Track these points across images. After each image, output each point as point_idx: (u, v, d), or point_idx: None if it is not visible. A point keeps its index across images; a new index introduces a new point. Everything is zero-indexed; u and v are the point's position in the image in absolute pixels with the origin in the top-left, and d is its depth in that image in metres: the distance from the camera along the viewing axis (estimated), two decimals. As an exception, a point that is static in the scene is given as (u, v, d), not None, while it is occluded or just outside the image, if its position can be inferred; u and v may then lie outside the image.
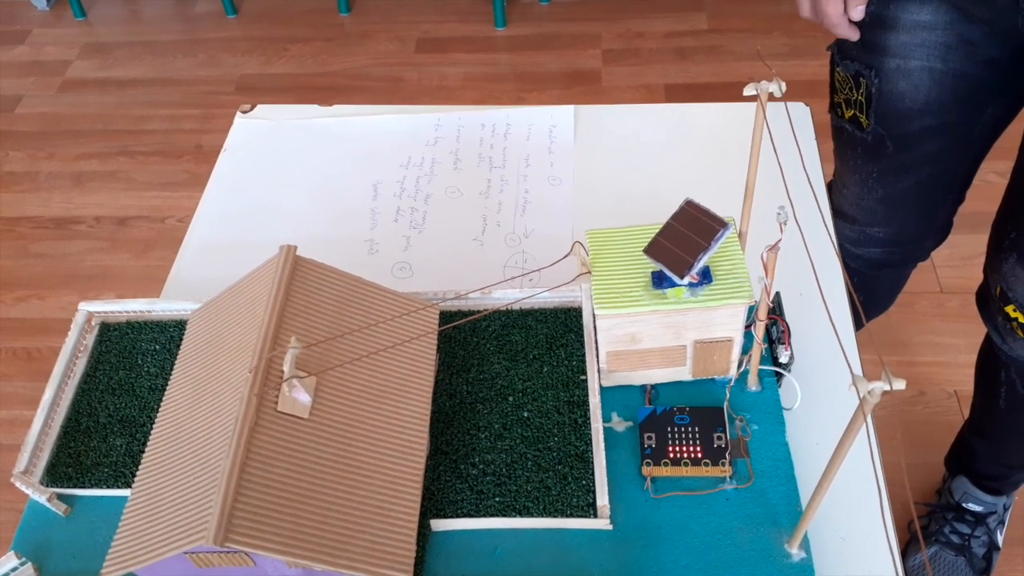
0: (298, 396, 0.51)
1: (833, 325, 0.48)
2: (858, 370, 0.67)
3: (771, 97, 0.52)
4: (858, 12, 0.77)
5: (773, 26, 2.36)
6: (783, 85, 0.51)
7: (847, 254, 1.17)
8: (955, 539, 1.37)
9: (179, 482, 0.50)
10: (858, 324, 1.39)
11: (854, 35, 0.80)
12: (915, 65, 0.83)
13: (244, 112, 0.93)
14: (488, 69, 2.36)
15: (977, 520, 1.37)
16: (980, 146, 0.99)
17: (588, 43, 2.38)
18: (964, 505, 1.37)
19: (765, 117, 0.52)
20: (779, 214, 0.51)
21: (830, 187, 1.13)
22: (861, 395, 0.39)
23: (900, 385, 0.38)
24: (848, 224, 1.11)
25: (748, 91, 0.51)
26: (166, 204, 2.14)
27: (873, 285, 1.28)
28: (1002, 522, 1.41)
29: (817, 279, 0.53)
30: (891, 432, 1.59)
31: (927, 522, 1.42)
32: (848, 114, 0.93)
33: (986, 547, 1.38)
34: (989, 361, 1.20)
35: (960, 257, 1.81)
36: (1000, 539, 1.41)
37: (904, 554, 1.39)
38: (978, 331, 1.77)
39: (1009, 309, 0.95)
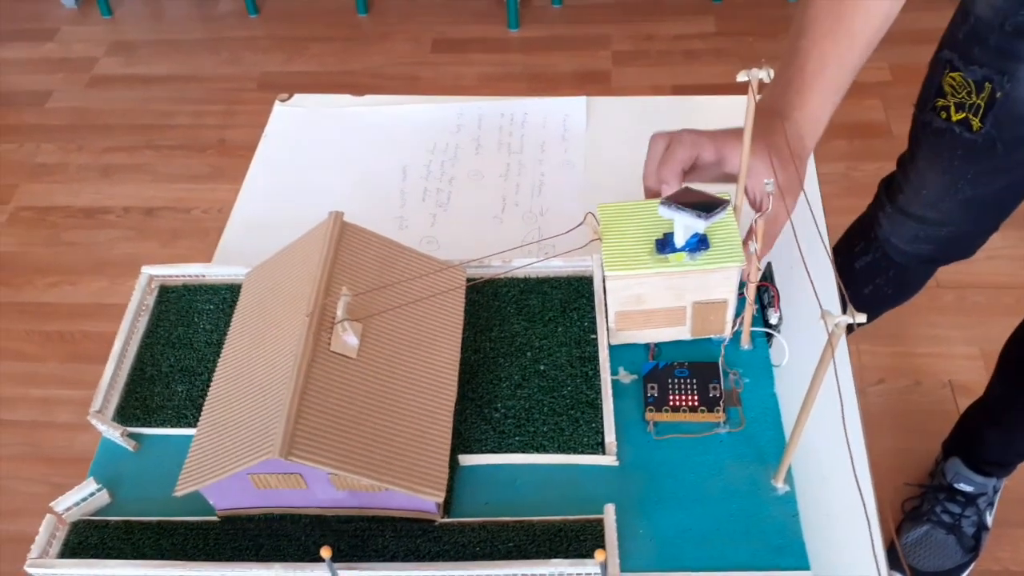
0: (347, 339, 0.59)
1: (813, 285, 0.55)
2: (842, 341, 0.75)
3: (761, 84, 0.59)
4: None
5: (779, 29, 2.43)
6: (771, 72, 0.58)
7: (893, 249, 1.20)
8: (946, 518, 1.44)
9: (244, 410, 0.57)
10: (874, 315, 1.43)
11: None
12: None
13: (282, 101, 1.01)
14: (501, 69, 2.44)
15: (968, 500, 1.43)
16: None
17: (599, 44, 2.46)
18: (955, 486, 1.43)
19: (756, 101, 0.59)
20: (767, 185, 0.58)
21: (892, 186, 1.15)
22: (829, 328, 0.46)
23: (861, 318, 0.45)
24: (916, 223, 1.14)
25: (740, 77, 0.59)
26: (191, 196, 2.21)
27: (911, 279, 1.31)
28: (991, 504, 1.48)
29: (799, 245, 0.61)
30: (887, 419, 1.66)
31: (920, 503, 1.48)
32: (958, 116, 0.96)
33: (975, 527, 1.45)
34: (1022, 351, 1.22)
35: (954, 253, 1.87)
36: (989, 520, 1.48)
37: (899, 531, 1.46)
38: (973, 324, 1.84)
39: None
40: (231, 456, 0.56)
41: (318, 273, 0.61)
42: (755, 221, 0.61)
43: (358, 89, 2.51)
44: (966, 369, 1.72)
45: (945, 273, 1.86)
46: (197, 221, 2.15)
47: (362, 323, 0.60)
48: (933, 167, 1.06)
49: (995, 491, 1.47)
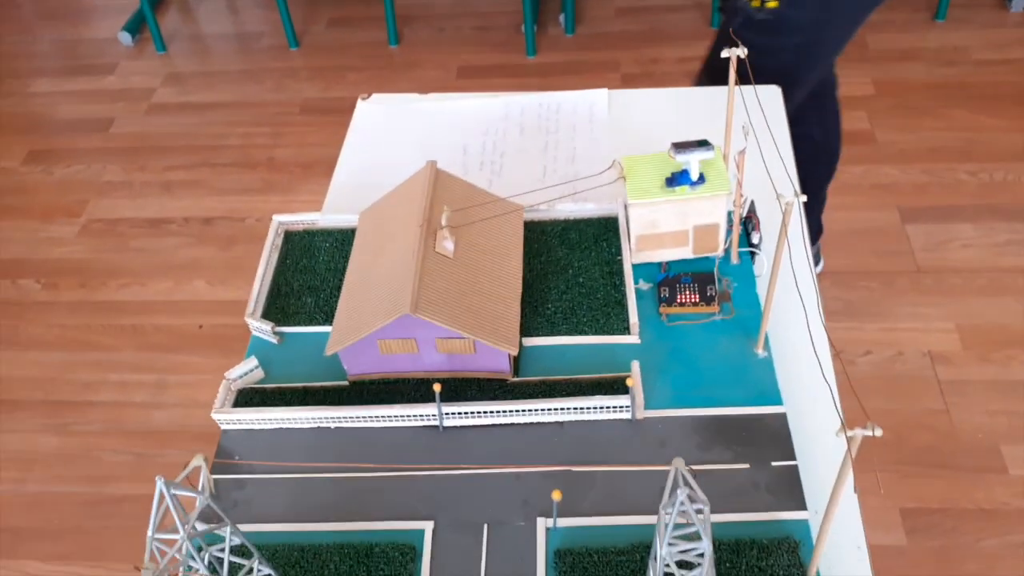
0: (447, 243, 0.82)
1: (773, 183, 0.78)
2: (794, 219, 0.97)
3: (738, 59, 0.83)
4: None
5: (770, 51, 2.68)
6: (745, 51, 0.81)
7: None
8: None
9: (375, 293, 0.81)
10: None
11: None
12: None
13: (364, 99, 1.25)
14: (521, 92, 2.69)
15: None
16: None
17: (609, 68, 2.72)
18: None
19: (735, 71, 0.83)
20: (743, 127, 0.81)
21: None
22: (783, 207, 0.69)
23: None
24: None
25: (724, 54, 0.82)
26: (245, 207, 2.46)
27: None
28: None
29: (769, 175, 0.84)
30: (874, 383, 1.88)
31: None
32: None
33: None
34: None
35: (935, 242, 2.11)
36: None
37: None
38: (949, 303, 2.07)
39: None
40: (368, 323, 0.79)
41: (424, 198, 0.85)
42: (735, 157, 0.84)
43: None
44: (943, 341, 1.94)
45: (925, 260, 2.10)
46: (251, 228, 2.40)
47: (456, 233, 0.83)
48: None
49: None
